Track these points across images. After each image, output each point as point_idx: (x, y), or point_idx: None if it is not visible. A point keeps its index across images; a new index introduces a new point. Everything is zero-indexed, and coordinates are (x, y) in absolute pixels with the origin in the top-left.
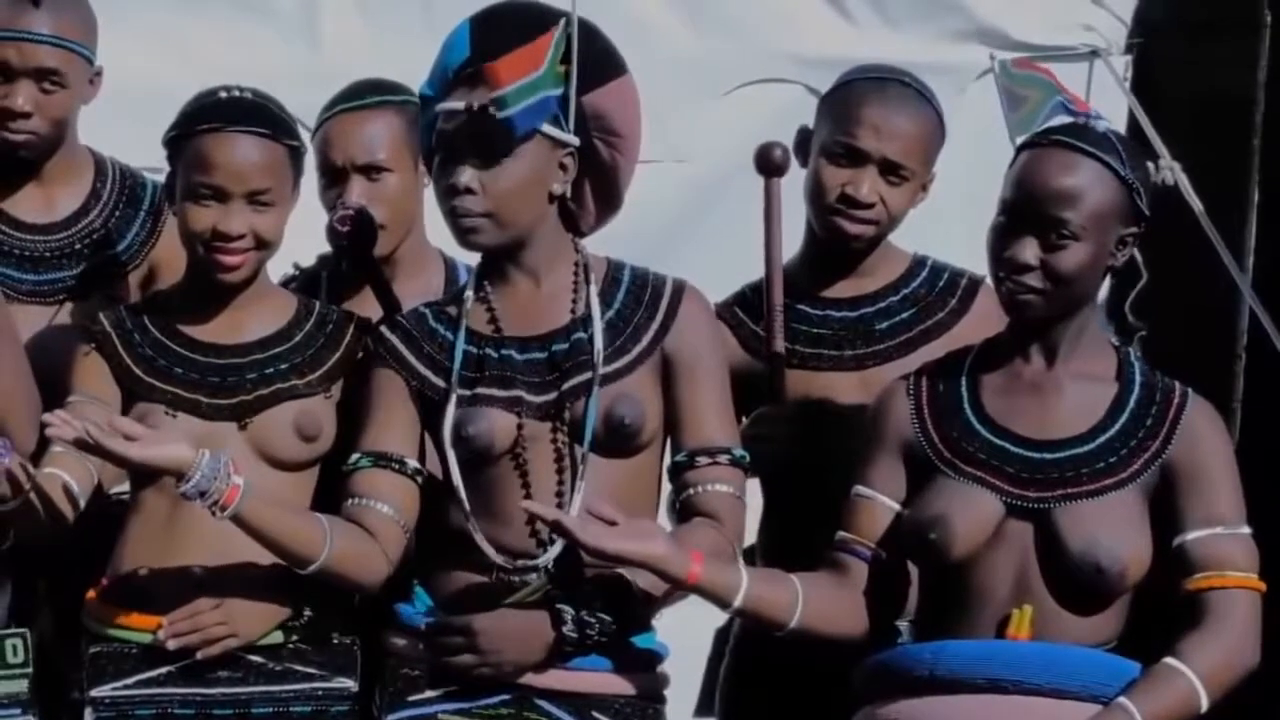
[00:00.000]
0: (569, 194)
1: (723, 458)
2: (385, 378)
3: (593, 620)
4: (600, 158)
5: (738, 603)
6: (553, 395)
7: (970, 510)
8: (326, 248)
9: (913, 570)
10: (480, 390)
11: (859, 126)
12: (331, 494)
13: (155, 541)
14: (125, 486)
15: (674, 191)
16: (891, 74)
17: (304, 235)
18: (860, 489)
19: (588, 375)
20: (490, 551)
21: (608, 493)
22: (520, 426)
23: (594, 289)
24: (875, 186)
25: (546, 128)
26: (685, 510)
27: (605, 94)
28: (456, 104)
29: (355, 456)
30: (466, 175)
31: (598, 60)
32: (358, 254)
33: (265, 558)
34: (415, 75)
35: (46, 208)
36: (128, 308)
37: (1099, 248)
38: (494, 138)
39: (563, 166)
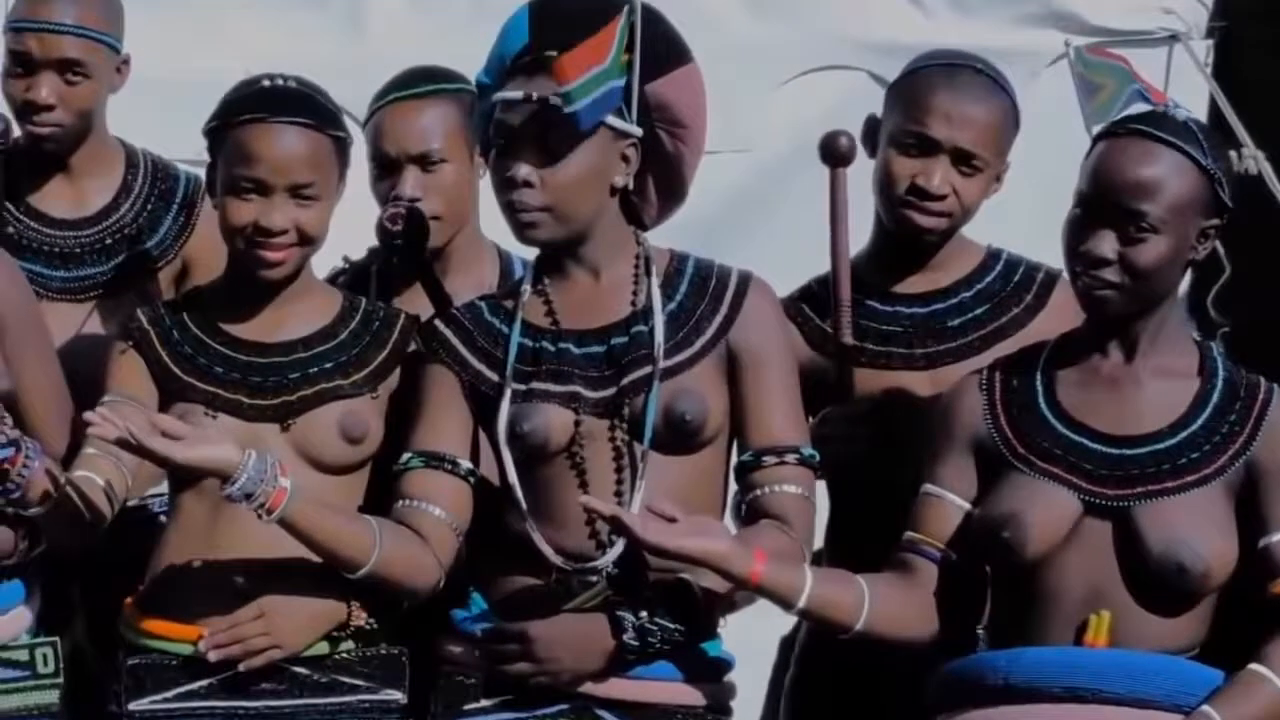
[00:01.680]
0: (631, 186)
1: (791, 457)
2: (438, 373)
3: (654, 627)
4: (664, 149)
5: (801, 603)
6: (611, 391)
7: (1045, 508)
8: (376, 240)
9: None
10: (536, 385)
11: (930, 115)
12: (383, 498)
13: (195, 547)
14: (162, 489)
15: (734, 183)
16: (963, 60)
17: (354, 227)
18: (929, 487)
19: (648, 369)
20: (549, 553)
21: (669, 492)
22: (577, 423)
23: (655, 281)
24: (947, 177)
25: (609, 119)
26: (752, 512)
27: (669, 83)
28: (515, 93)
29: (406, 456)
30: (525, 168)
31: (661, 48)
32: (409, 252)
33: (310, 564)
34: (465, 65)
35: (76, 202)
36: (166, 304)
37: (1179, 241)
38: (556, 130)
39: (625, 158)
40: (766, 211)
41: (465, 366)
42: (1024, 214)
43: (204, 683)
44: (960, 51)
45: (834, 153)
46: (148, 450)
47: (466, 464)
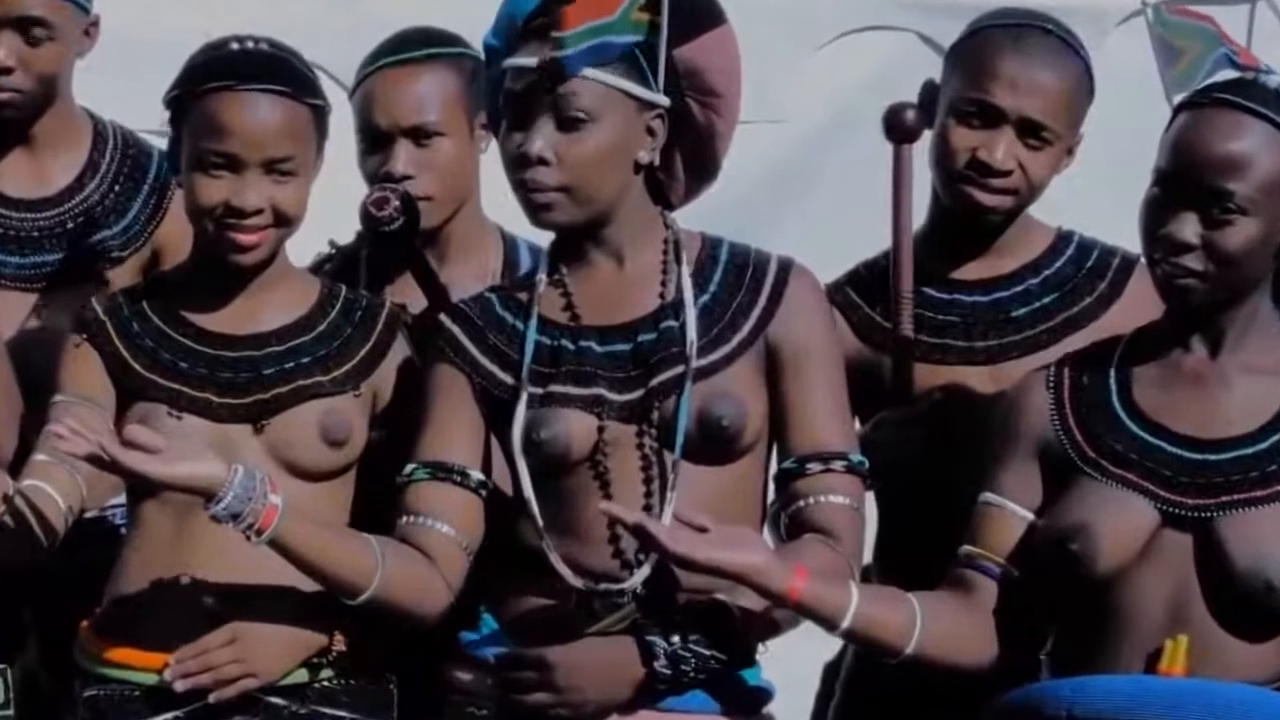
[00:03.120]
0: (657, 162)
1: (838, 464)
2: (445, 375)
3: (688, 654)
4: (694, 120)
5: (846, 623)
6: (638, 393)
7: (1119, 518)
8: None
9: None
10: (555, 388)
11: (993, 81)
12: (374, 510)
13: (159, 564)
14: (121, 499)
15: (767, 156)
16: (1031, 19)
17: (342, 208)
18: (989, 496)
19: (679, 369)
20: (568, 574)
21: (703, 505)
22: (601, 430)
23: (686, 270)
24: (1012, 150)
25: (632, 87)
26: (795, 525)
27: (699, 47)
28: (528, 60)
29: (411, 467)
30: (540, 143)
31: (691, 7)
32: (397, 241)
33: (287, 583)
34: (465, 27)
35: (36, 179)
36: (125, 292)
37: (1270, 223)
38: (570, 96)
39: (650, 131)
40: (803, 188)
41: (476, 367)
42: (1091, 193)
43: (170, 715)
44: (1028, 10)
45: (899, 128)
46: (122, 467)
47: (477, 475)
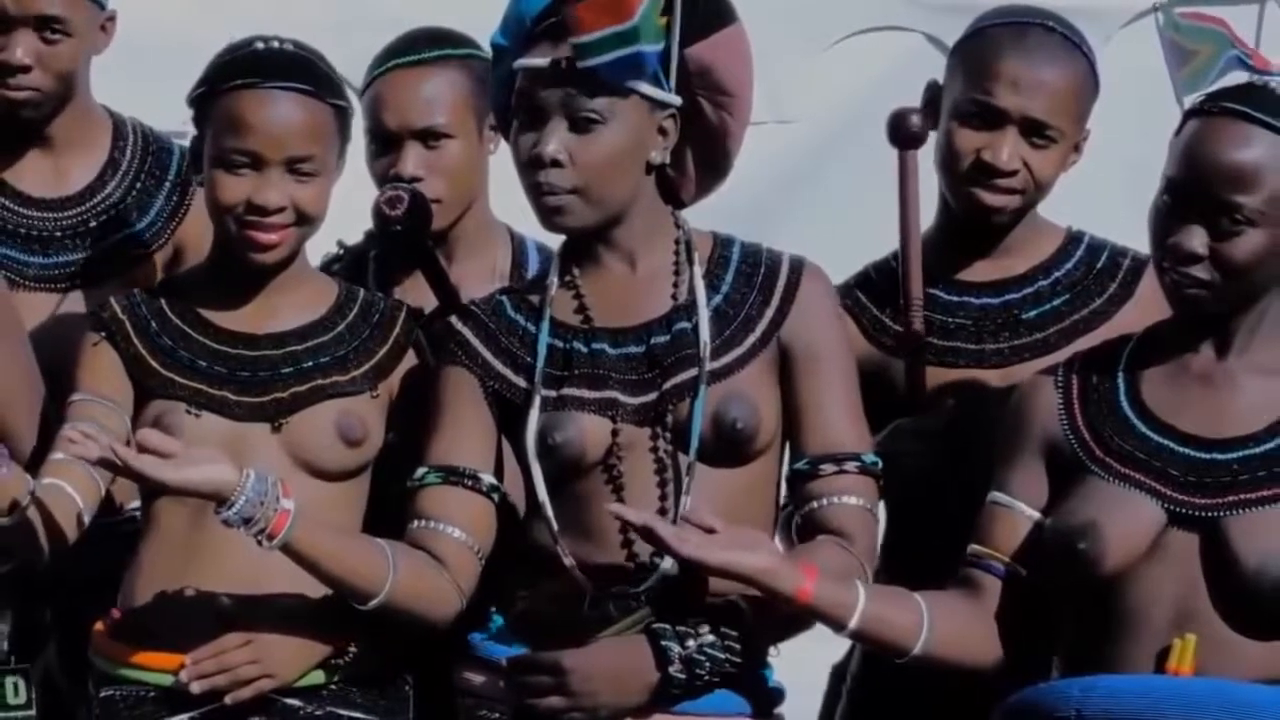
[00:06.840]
0: (668, 161)
1: (851, 465)
2: (457, 377)
3: (702, 657)
4: (706, 119)
5: (854, 623)
6: (652, 396)
7: (1126, 517)
8: (373, 225)
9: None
10: (568, 391)
11: (995, 81)
12: (385, 511)
13: (173, 566)
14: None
15: (776, 157)
16: (1031, 17)
17: (349, 209)
18: (996, 495)
19: (693, 372)
20: (581, 578)
21: (718, 507)
22: (615, 433)
23: (698, 270)
24: (1017, 150)
25: (645, 87)
26: (808, 526)
27: (711, 46)
28: (540, 60)
29: (422, 471)
30: (553, 145)
31: (702, 6)
32: (409, 240)
33: (303, 585)
34: (475, 27)
35: (56, 178)
36: (142, 291)
37: (1279, 233)
38: (588, 102)
39: (663, 131)
40: (812, 189)
41: (488, 370)
42: (1094, 197)
43: (186, 716)
44: (1029, 7)
45: (904, 133)
46: (134, 472)
47: (489, 479)
